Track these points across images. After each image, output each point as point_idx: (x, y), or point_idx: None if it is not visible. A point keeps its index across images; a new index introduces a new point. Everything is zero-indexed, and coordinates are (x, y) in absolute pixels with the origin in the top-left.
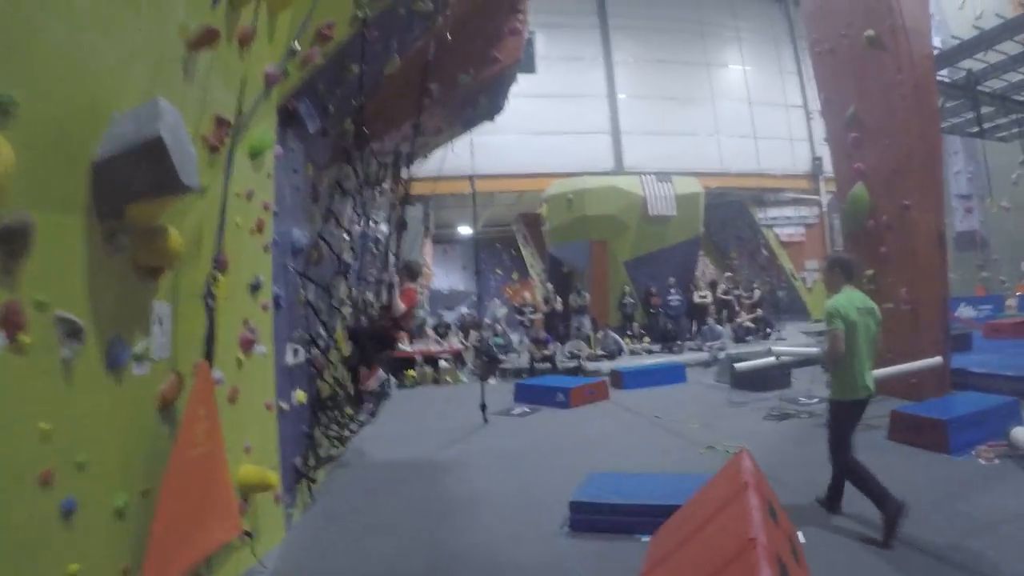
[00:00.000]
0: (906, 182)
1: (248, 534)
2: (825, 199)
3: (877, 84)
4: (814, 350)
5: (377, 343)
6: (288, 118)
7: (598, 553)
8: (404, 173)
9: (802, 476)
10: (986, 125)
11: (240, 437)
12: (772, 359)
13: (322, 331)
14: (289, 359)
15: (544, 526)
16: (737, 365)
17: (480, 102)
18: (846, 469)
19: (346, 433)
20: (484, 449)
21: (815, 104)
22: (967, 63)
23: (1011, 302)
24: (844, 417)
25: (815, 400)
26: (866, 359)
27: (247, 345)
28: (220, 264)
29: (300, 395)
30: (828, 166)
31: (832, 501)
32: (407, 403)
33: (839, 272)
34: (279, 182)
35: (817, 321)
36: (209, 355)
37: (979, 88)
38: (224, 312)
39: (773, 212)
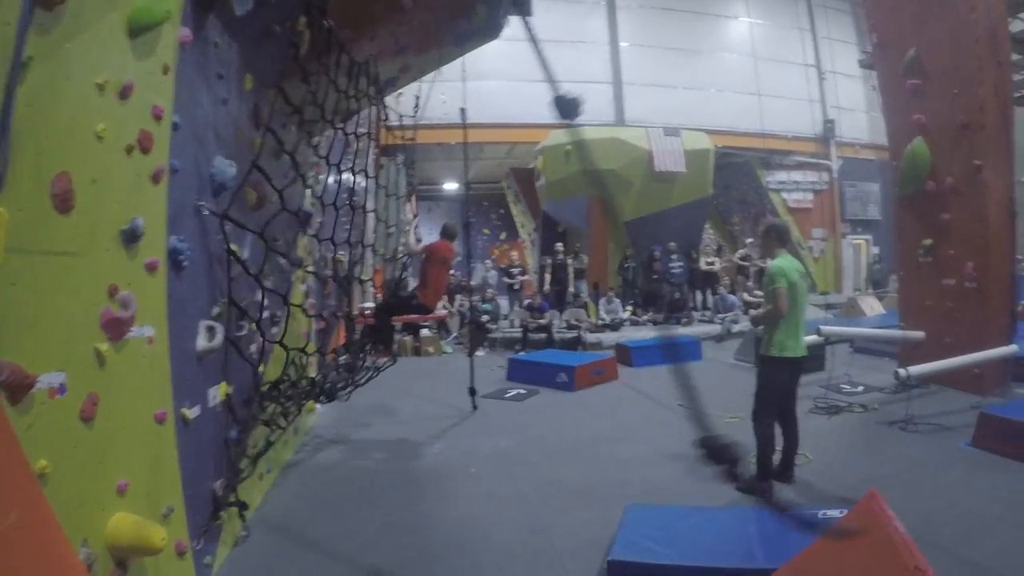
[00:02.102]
0: (978, 140)
1: None
2: (836, 164)
3: (945, 24)
4: (876, 331)
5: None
6: None
7: None
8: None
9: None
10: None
11: (106, 473)
12: (818, 338)
13: (261, 299)
14: (201, 342)
15: None
16: None
17: (477, 10)
18: (762, 434)
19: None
20: (473, 450)
21: (829, 64)
22: None
23: None
24: (777, 374)
25: (860, 389)
26: (802, 322)
27: (116, 328)
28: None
29: (222, 389)
30: (841, 129)
31: (785, 470)
32: (381, 379)
33: (775, 238)
34: (188, 83)
35: (824, 293)
36: None
37: None
38: (56, 274)
39: (780, 176)
